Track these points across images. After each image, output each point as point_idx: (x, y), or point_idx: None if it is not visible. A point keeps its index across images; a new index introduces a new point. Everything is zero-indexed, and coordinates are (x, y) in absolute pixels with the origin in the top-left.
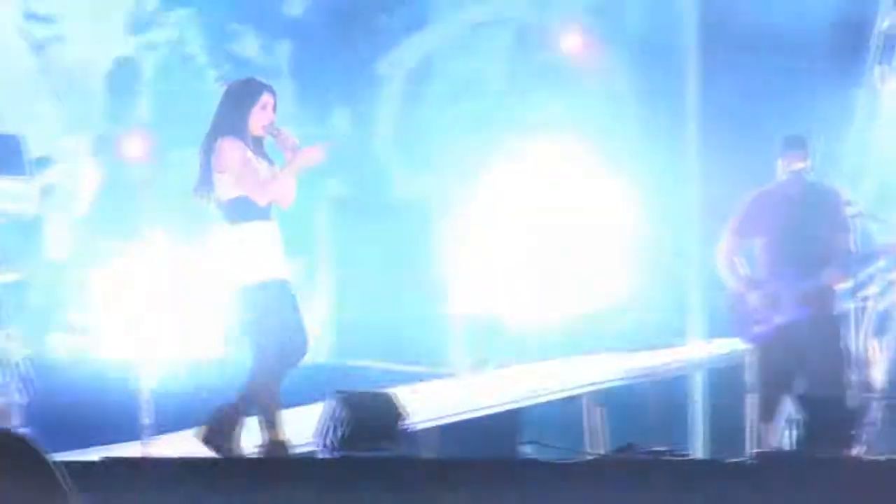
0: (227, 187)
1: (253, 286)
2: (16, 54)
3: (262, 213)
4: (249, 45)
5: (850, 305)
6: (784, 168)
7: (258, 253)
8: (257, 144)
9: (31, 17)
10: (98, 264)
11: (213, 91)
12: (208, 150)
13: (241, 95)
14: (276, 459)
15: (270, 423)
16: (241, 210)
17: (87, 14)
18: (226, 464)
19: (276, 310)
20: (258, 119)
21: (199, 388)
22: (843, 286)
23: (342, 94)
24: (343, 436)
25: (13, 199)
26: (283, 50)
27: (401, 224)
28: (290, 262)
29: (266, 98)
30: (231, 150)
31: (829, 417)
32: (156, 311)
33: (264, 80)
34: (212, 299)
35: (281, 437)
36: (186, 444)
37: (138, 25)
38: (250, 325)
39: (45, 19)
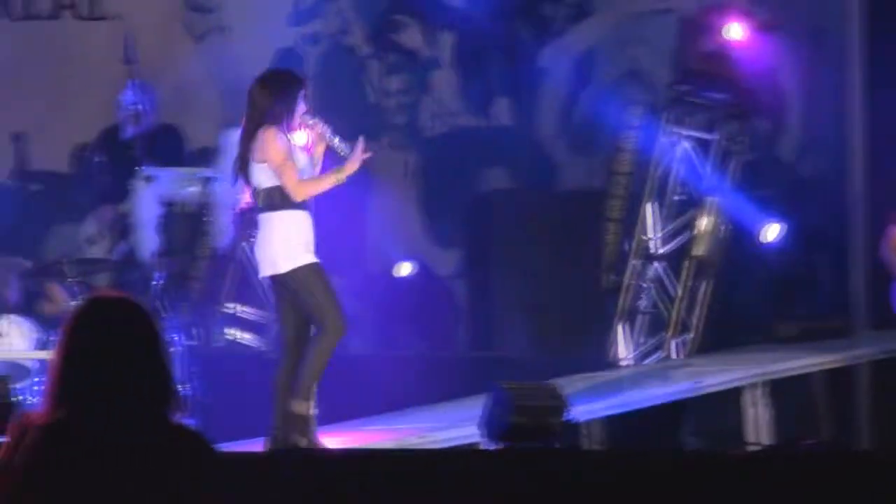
0: (266, 177)
1: (286, 273)
2: (179, 46)
3: (298, 203)
4: (412, 36)
5: None
6: None
7: (291, 240)
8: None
9: (193, 7)
10: None
11: (376, 83)
12: (250, 137)
13: (287, 85)
14: (436, 451)
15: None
16: (277, 199)
17: (249, 5)
18: (387, 455)
19: (311, 292)
20: (300, 110)
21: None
22: None
23: (504, 85)
24: (506, 427)
25: (176, 189)
26: (446, 40)
27: (566, 215)
28: (454, 253)
29: (306, 89)
30: (274, 142)
31: None
32: None
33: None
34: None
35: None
36: (349, 435)
37: (300, 17)
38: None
39: (208, 10)
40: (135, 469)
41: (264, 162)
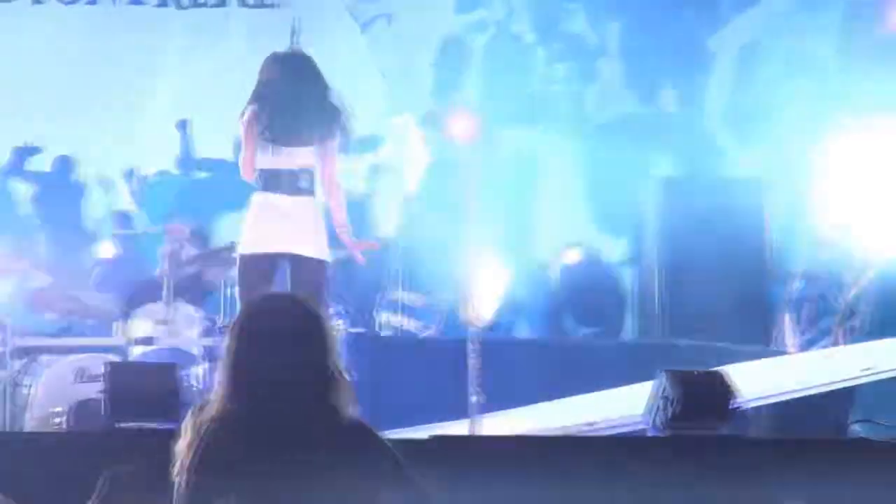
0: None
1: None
2: (344, 33)
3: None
4: (578, 23)
5: None
6: None
7: (255, 223)
8: None
9: None
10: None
11: (542, 70)
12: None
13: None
14: (602, 438)
15: None
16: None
17: None
18: (553, 442)
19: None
20: None
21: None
22: None
23: (670, 72)
24: (673, 414)
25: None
26: (612, 27)
27: (731, 202)
28: (621, 240)
29: None
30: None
31: None
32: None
33: None
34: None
35: None
36: (515, 422)
37: (466, 4)
38: None
39: None
40: (307, 459)
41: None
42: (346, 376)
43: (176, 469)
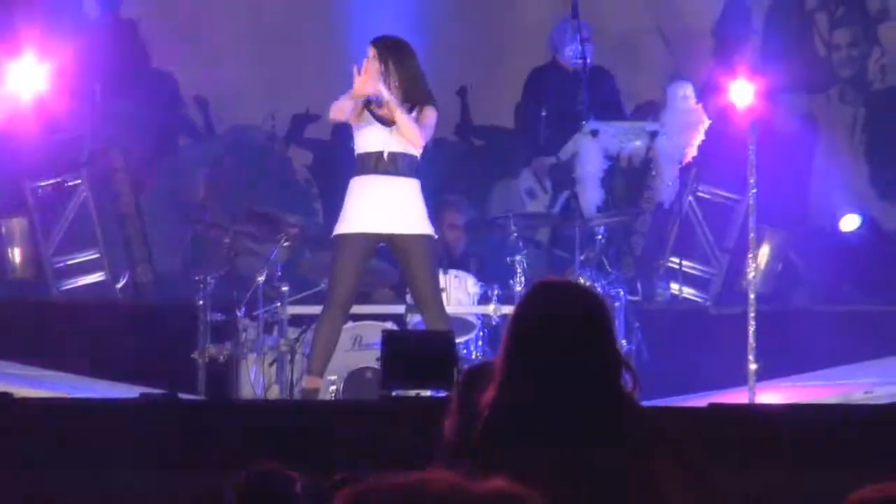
0: None
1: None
2: (625, 2)
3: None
4: None
5: None
6: None
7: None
8: None
9: None
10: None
11: (825, 36)
12: None
13: None
14: (882, 407)
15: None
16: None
17: None
18: (831, 410)
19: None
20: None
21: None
22: None
23: None
24: None
25: (622, 143)
26: None
27: None
28: None
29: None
30: None
31: None
32: None
33: None
34: None
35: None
36: (792, 391)
37: None
38: None
39: None
40: (598, 453)
41: None
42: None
43: (442, 444)
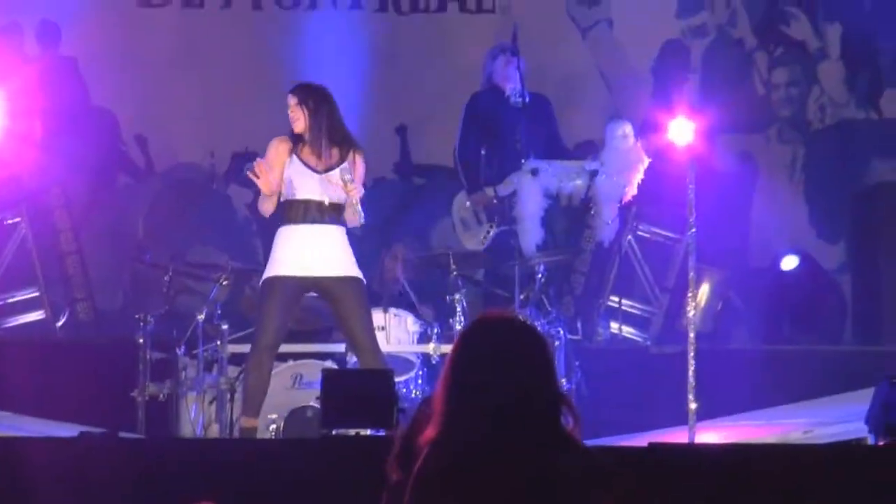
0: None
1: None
2: (565, 38)
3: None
4: (800, 28)
5: None
6: None
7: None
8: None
9: (580, 0)
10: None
11: (764, 75)
12: None
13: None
14: (821, 447)
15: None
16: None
17: None
18: (769, 451)
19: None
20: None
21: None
22: None
23: (891, 78)
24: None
25: (562, 182)
26: (834, 31)
27: None
28: (840, 247)
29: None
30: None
31: None
32: None
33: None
34: None
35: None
36: (731, 430)
37: (687, 8)
38: None
39: (594, 2)
40: (527, 484)
41: None
42: (561, 381)
43: (387, 484)
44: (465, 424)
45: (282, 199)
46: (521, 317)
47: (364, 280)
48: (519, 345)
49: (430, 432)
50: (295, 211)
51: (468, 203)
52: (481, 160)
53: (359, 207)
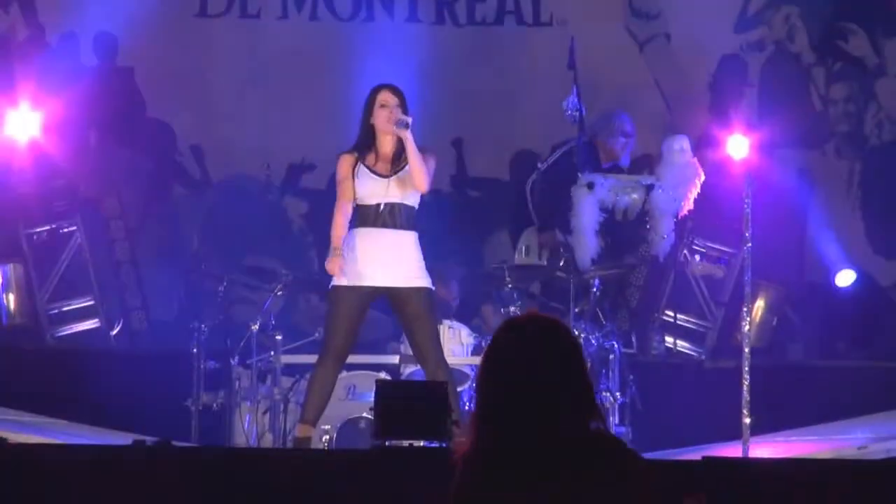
0: None
1: None
2: (622, 51)
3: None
4: (858, 43)
5: None
6: None
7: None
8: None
9: (637, 13)
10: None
11: (821, 90)
12: None
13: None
14: (875, 462)
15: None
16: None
17: (695, 11)
18: (823, 466)
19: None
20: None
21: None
22: None
23: None
24: None
25: (617, 196)
26: (892, 47)
27: None
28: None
29: (383, 96)
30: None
31: None
32: None
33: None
34: None
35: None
36: (785, 445)
37: (746, 23)
38: None
39: (652, 16)
40: (563, 485)
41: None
42: (615, 394)
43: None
44: (495, 433)
45: (355, 203)
46: (548, 317)
47: (433, 288)
48: (545, 343)
49: (464, 446)
50: (366, 215)
51: (538, 241)
52: (538, 178)
53: (418, 159)
